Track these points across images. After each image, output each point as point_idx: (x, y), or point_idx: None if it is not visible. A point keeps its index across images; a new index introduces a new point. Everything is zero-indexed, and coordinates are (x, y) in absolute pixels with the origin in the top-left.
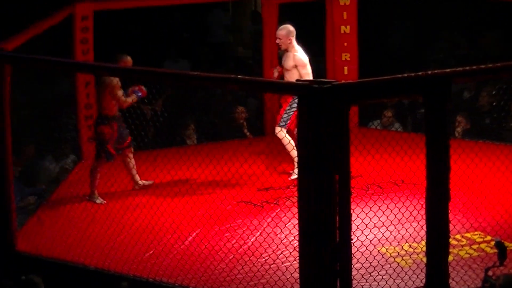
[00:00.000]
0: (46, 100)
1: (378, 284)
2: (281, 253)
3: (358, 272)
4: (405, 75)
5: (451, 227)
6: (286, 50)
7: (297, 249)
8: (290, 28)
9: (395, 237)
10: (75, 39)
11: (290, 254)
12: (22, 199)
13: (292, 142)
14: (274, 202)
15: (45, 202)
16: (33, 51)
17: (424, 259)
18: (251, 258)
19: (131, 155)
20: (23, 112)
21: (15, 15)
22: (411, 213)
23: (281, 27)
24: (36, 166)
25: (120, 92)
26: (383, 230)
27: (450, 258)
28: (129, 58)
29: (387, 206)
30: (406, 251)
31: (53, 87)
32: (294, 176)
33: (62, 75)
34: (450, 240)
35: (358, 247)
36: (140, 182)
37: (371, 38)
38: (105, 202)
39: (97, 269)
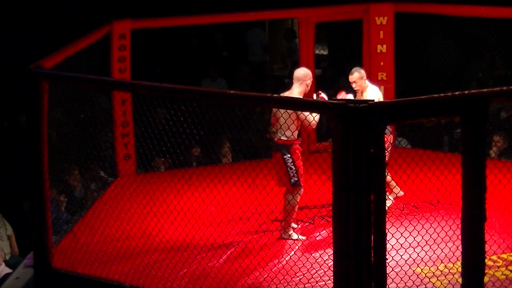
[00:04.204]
0: (87, 118)
1: None
2: (316, 272)
3: None
4: (442, 95)
5: (487, 247)
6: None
7: (332, 269)
8: (362, 70)
9: (430, 258)
10: (113, 57)
11: (325, 273)
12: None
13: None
14: (309, 221)
15: (81, 219)
16: (71, 69)
17: (460, 280)
18: (285, 277)
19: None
20: (63, 130)
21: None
22: (446, 233)
23: (352, 70)
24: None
25: None
26: (418, 250)
27: (486, 279)
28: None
29: (423, 226)
30: (441, 271)
31: (95, 106)
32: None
33: (102, 93)
34: (486, 261)
35: (393, 267)
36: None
37: (409, 57)
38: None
39: (132, 286)
